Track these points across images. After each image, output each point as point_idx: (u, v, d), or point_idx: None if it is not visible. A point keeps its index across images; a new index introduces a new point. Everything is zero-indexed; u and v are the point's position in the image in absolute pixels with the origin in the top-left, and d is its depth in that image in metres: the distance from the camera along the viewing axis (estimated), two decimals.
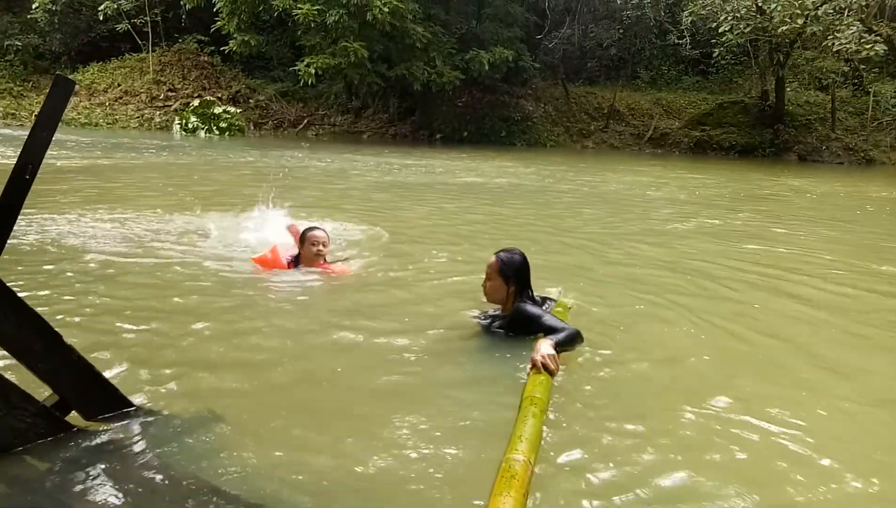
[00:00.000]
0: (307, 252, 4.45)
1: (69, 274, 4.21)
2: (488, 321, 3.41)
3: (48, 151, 2.04)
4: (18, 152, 1.99)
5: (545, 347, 2.74)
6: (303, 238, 4.51)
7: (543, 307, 3.30)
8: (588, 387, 2.81)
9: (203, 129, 22.30)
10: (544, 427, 2.31)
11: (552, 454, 2.23)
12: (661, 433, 2.43)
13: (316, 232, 4.51)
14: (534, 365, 2.67)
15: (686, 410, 2.60)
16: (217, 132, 22.22)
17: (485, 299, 3.43)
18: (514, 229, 7.06)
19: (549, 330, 2.95)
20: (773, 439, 2.40)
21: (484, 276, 3.35)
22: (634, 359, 3.15)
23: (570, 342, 2.94)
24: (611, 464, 2.19)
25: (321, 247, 4.43)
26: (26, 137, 1.98)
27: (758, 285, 4.76)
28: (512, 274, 3.24)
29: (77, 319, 3.39)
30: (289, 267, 4.47)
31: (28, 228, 5.56)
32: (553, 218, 7.92)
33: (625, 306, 4.04)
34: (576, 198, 10.11)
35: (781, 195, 11.81)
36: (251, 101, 25.72)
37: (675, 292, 4.39)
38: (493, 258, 3.29)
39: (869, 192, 13.10)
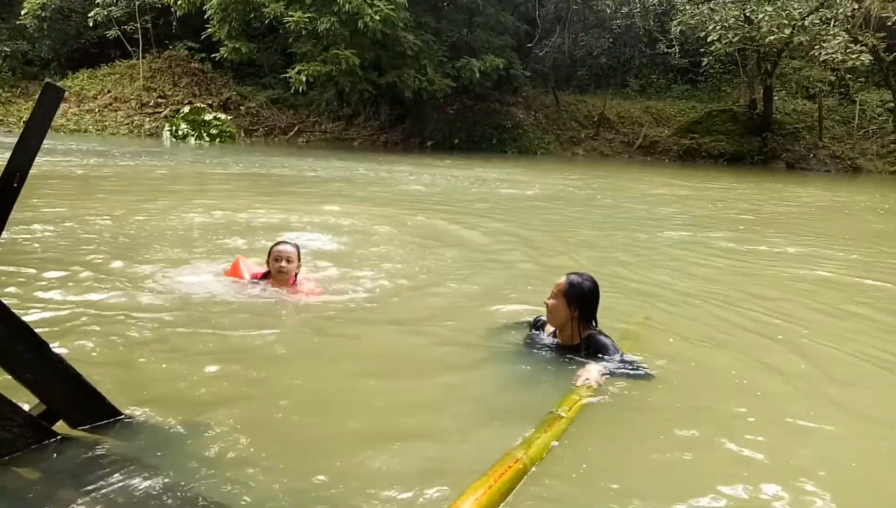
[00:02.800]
0: (272, 268, 4.09)
1: (55, 283, 4.17)
2: (542, 342, 3.29)
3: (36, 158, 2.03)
4: (6, 159, 1.97)
5: (595, 372, 2.84)
6: (269, 252, 4.15)
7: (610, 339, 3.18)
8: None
9: (193, 135, 22.23)
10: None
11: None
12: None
13: (280, 246, 4.13)
14: (580, 380, 2.80)
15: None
16: (207, 139, 22.16)
17: (544, 318, 3.30)
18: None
19: (622, 364, 2.99)
20: None
21: (550, 293, 3.18)
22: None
23: (635, 377, 2.95)
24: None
25: (284, 263, 4.03)
26: (14, 144, 1.96)
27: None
28: (577, 299, 3.08)
29: (64, 328, 3.36)
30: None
31: (14, 236, 5.51)
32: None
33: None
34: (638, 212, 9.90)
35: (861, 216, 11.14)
36: (242, 108, 25.69)
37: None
38: (562, 279, 3.13)
39: None
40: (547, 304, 3.16)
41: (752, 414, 2.69)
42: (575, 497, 2.09)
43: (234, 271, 4.29)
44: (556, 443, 2.35)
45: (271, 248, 4.15)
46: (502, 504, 1.96)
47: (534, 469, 2.16)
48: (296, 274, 4.15)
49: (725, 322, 4.02)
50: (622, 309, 4.10)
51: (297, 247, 4.19)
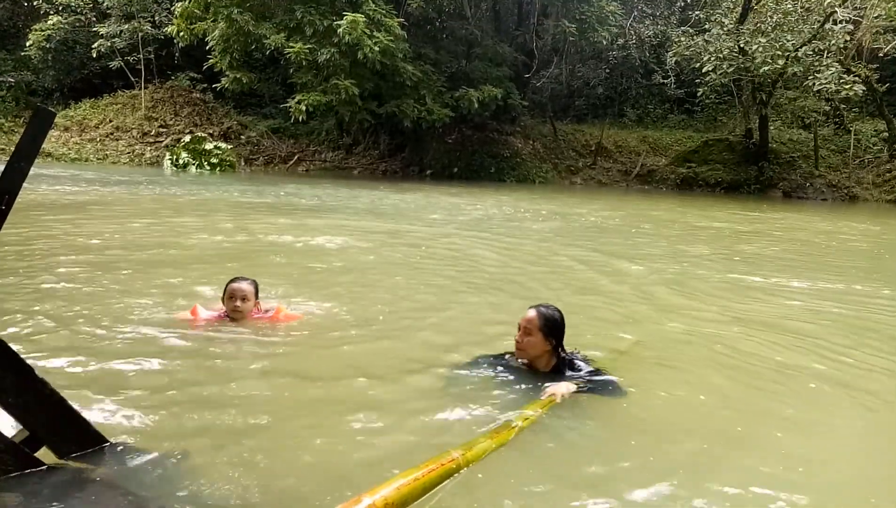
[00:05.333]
0: (227, 307, 3.86)
1: (41, 309, 4.14)
2: (516, 367, 3.29)
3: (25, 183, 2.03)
4: None
5: (566, 387, 2.94)
6: (225, 289, 3.92)
7: (586, 361, 3.30)
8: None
9: (194, 164, 22.38)
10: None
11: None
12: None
13: (235, 283, 3.88)
14: (545, 394, 2.89)
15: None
16: (208, 168, 22.31)
17: (514, 354, 3.30)
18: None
19: (594, 382, 3.10)
20: None
21: (519, 331, 3.19)
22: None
23: (605, 394, 3.02)
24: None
25: (238, 302, 3.81)
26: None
27: None
28: (552, 331, 3.15)
29: (50, 353, 3.33)
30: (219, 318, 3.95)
31: (2, 259, 5.50)
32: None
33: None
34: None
35: None
36: (242, 137, 25.91)
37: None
38: (532, 313, 3.16)
39: None
40: (519, 341, 3.18)
41: (711, 453, 2.63)
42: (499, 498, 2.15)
43: (193, 313, 4.04)
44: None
45: (226, 285, 3.91)
46: (429, 498, 2.07)
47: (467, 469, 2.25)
48: (253, 311, 3.92)
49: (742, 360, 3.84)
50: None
51: (255, 282, 3.99)
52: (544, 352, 3.16)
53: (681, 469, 2.44)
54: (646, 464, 2.47)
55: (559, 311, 3.24)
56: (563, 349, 3.23)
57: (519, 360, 3.28)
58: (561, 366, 3.18)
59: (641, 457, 2.53)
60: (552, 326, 3.14)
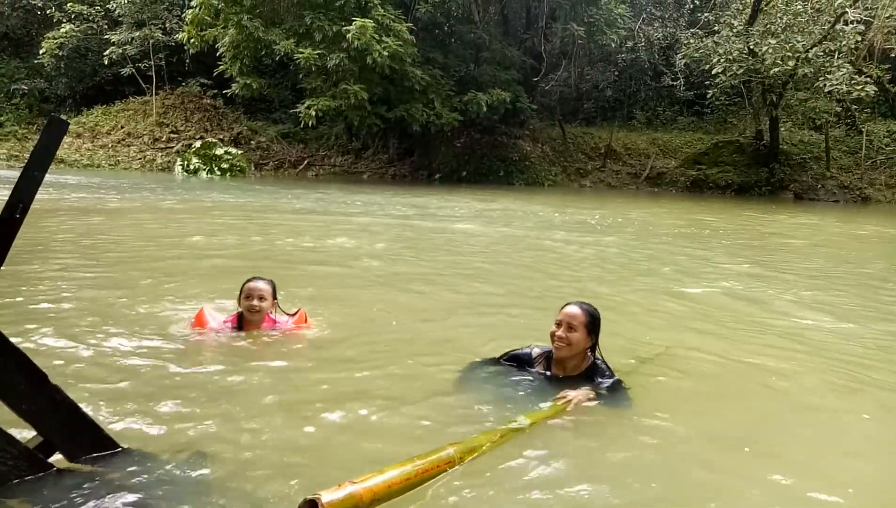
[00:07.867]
0: (243, 307, 3.79)
1: (54, 315, 4.18)
2: (540, 375, 3.24)
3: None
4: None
5: (580, 394, 2.92)
6: (241, 289, 3.83)
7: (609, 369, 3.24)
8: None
9: (204, 169, 22.52)
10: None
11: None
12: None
13: (252, 282, 3.82)
14: (563, 398, 2.90)
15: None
16: (218, 173, 22.44)
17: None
18: None
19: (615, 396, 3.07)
20: None
21: (561, 327, 3.09)
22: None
23: (621, 407, 3.00)
24: None
25: (255, 301, 3.73)
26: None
27: None
28: (595, 327, 3.11)
29: (60, 359, 3.35)
30: (231, 327, 3.87)
31: (17, 267, 5.54)
32: None
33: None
34: None
35: None
36: (252, 142, 26.04)
37: None
38: (576, 310, 3.10)
39: None
40: (562, 337, 3.08)
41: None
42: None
43: (200, 323, 3.94)
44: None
45: (243, 285, 3.85)
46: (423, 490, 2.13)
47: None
48: (270, 312, 3.86)
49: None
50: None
51: (273, 283, 3.91)
52: (583, 349, 3.12)
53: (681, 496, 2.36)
54: (647, 486, 2.38)
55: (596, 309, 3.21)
56: (597, 351, 3.18)
57: (547, 367, 3.22)
58: (591, 370, 3.13)
59: (645, 476, 2.43)
60: (595, 323, 3.11)
